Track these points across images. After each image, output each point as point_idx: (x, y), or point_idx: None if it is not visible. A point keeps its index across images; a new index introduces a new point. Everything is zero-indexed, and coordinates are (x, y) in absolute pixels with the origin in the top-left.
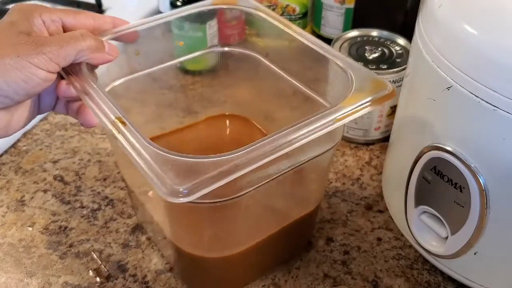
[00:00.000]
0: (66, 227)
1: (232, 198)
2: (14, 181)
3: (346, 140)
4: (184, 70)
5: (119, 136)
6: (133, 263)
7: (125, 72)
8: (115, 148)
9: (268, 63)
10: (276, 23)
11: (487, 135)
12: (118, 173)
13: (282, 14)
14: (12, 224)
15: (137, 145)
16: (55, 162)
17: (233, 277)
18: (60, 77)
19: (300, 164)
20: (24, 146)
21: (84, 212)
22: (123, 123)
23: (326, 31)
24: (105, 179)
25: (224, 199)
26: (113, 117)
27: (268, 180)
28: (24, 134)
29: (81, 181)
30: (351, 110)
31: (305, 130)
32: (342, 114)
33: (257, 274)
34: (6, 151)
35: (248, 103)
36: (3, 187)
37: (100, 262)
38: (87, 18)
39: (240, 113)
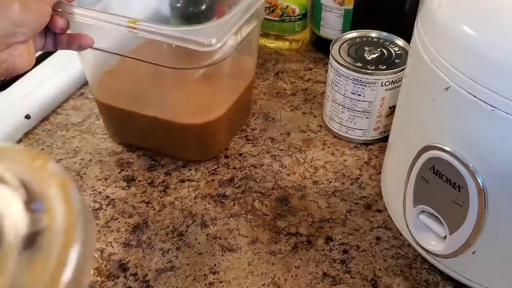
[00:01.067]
0: None
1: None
2: None
3: (345, 140)
4: None
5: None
6: (134, 262)
7: None
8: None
9: None
10: None
11: (485, 135)
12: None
13: (281, 15)
14: None
15: (161, 29)
16: (56, 162)
17: (209, 143)
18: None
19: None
20: (26, 146)
21: None
22: (136, 22)
23: (325, 32)
24: (106, 179)
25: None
26: (126, 22)
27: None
28: (26, 134)
29: (83, 181)
30: None
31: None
32: None
33: (225, 142)
34: None
35: None
36: None
37: (101, 261)
38: None
39: None
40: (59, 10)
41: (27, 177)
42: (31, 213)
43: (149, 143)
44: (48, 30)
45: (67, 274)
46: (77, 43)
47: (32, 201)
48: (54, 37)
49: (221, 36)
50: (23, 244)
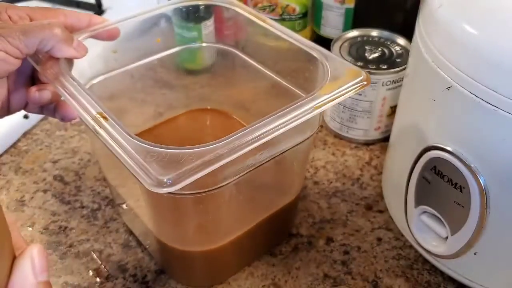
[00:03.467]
0: (66, 227)
1: (215, 189)
2: (14, 181)
3: (346, 140)
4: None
5: (101, 131)
6: (133, 263)
7: (102, 70)
8: (96, 147)
9: (244, 56)
10: (251, 17)
11: (487, 135)
12: (100, 174)
13: (282, 14)
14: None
15: (120, 139)
16: (55, 162)
17: (217, 270)
18: (31, 83)
19: (280, 153)
20: (24, 146)
21: (84, 212)
22: (105, 118)
23: (326, 31)
24: (105, 179)
25: (207, 189)
26: (94, 113)
27: (249, 170)
28: (24, 134)
29: (81, 181)
30: (327, 98)
31: (283, 119)
32: (319, 102)
33: (240, 266)
34: (6, 151)
35: (227, 97)
36: (3, 187)
37: (100, 262)
38: (56, 15)
39: (220, 108)
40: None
41: None
42: None
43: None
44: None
45: None
46: (60, 114)
47: None
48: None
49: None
50: None
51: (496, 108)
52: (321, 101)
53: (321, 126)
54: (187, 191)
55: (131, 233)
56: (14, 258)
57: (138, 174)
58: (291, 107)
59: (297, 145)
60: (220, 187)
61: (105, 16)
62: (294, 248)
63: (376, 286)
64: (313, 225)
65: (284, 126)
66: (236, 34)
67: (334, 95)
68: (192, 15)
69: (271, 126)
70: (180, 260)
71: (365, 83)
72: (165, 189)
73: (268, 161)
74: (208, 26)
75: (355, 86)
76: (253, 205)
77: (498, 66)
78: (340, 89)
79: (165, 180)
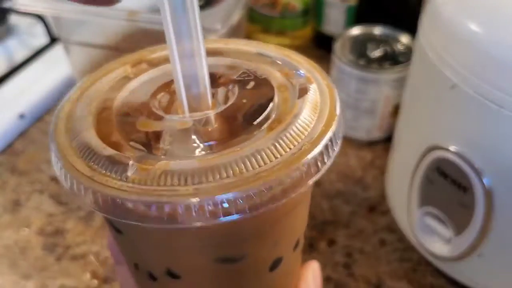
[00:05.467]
0: (62, 229)
1: None
2: (10, 181)
3: (349, 140)
4: None
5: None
6: None
7: None
8: None
9: None
10: None
11: (491, 135)
12: None
13: (282, 12)
14: (8, 225)
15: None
16: (51, 162)
17: None
18: None
19: None
20: (20, 146)
21: (81, 213)
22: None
23: (327, 28)
24: None
25: None
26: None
27: None
28: (20, 135)
29: None
30: None
31: None
32: None
33: None
34: (1, 152)
35: None
36: None
37: (97, 264)
38: None
39: None
40: None
41: (283, 59)
42: (294, 78)
43: None
44: None
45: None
46: None
47: (294, 70)
48: None
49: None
50: (298, 94)
51: (500, 108)
52: None
53: None
54: None
55: None
56: None
57: None
58: None
59: None
60: None
61: None
62: None
63: None
64: (314, 227)
65: None
66: None
67: None
68: None
69: None
70: None
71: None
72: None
73: None
74: None
75: None
76: None
77: (503, 65)
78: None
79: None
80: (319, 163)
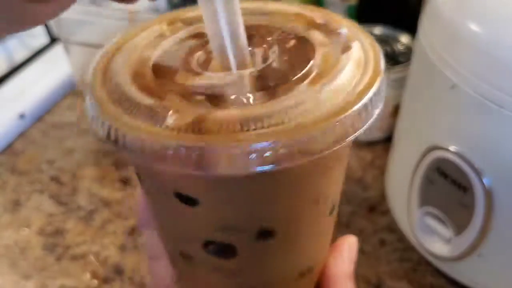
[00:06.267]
0: (62, 229)
1: None
2: (10, 181)
3: None
4: None
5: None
6: (131, 265)
7: None
8: None
9: None
10: None
11: (491, 135)
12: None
13: None
14: (8, 225)
15: None
16: (51, 162)
17: None
18: None
19: None
20: (20, 146)
21: (81, 213)
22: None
23: None
24: (102, 180)
25: None
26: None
27: None
28: (20, 135)
29: (78, 182)
30: None
31: None
32: None
33: None
34: (1, 152)
35: None
36: None
37: (97, 264)
38: None
39: None
40: None
41: (324, 18)
42: (336, 36)
43: None
44: None
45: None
46: None
47: (335, 29)
48: None
49: None
50: (341, 50)
51: (500, 108)
52: None
53: None
54: None
55: (128, 234)
56: None
57: None
58: None
59: None
60: None
61: None
62: None
63: None
64: None
65: None
66: None
67: None
68: None
69: None
70: None
71: None
72: None
73: None
74: None
75: None
76: None
77: (503, 65)
78: None
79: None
80: (362, 118)
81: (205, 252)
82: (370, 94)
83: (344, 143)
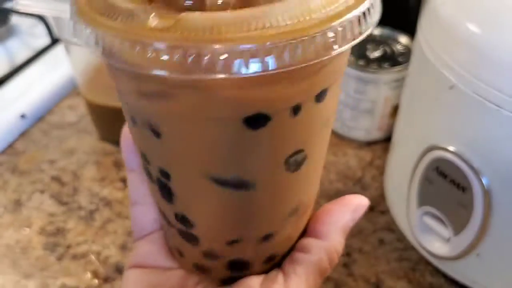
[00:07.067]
0: (63, 228)
1: None
2: (11, 181)
3: (348, 140)
4: None
5: None
6: None
7: None
8: None
9: None
10: None
11: (490, 136)
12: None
13: None
14: (9, 225)
15: None
16: (52, 162)
17: None
18: None
19: None
20: (21, 146)
21: (82, 213)
22: None
23: None
24: (102, 180)
25: None
26: None
27: None
28: (21, 135)
29: (79, 182)
30: None
31: None
32: None
33: None
34: (2, 151)
35: None
36: None
37: (98, 264)
38: None
39: None
40: None
41: None
42: None
43: None
44: None
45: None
46: None
47: None
48: None
49: None
50: None
51: (499, 108)
52: None
53: None
54: None
55: (129, 234)
56: None
57: None
58: None
59: None
60: None
61: None
62: None
63: None
64: None
65: None
66: None
67: None
68: None
69: None
70: None
71: None
72: None
73: None
74: None
75: None
76: None
77: (501, 65)
78: None
79: None
80: (355, 28)
81: None
82: (364, 6)
83: (336, 52)
